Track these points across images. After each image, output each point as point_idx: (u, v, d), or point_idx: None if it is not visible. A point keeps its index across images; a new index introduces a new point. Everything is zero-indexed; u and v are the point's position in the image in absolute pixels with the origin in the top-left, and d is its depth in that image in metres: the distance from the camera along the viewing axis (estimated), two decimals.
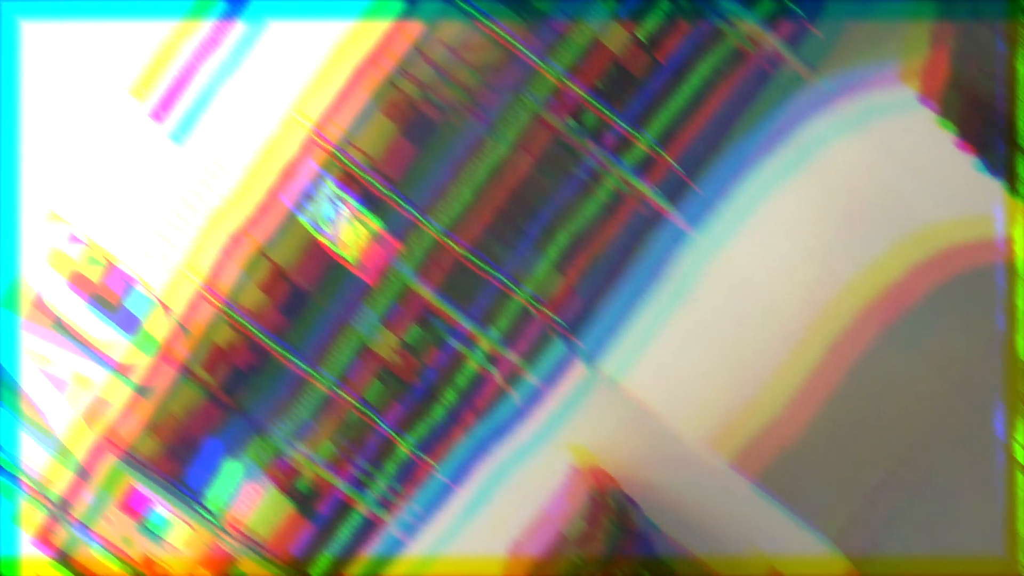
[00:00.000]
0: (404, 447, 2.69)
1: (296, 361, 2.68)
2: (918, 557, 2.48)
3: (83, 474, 2.68)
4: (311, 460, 2.71)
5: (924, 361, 2.43)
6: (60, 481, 2.70)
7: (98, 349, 2.67)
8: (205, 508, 2.66)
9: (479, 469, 2.69)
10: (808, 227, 2.53)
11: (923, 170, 2.44)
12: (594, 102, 2.60)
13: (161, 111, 2.63)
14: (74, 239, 2.66)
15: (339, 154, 2.68)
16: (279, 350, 2.67)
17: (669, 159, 2.56)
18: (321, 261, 2.68)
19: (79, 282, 2.67)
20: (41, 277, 2.66)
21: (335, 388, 2.69)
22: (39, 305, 2.66)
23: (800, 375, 2.49)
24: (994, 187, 2.34)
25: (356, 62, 2.68)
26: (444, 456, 2.70)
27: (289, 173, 2.67)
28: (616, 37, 2.62)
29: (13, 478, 2.66)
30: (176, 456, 2.69)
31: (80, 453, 2.68)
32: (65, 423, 2.67)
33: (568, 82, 2.60)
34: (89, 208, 2.66)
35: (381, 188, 2.69)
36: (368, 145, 2.68)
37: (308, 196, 2.68)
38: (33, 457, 2.70)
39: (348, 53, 2.67)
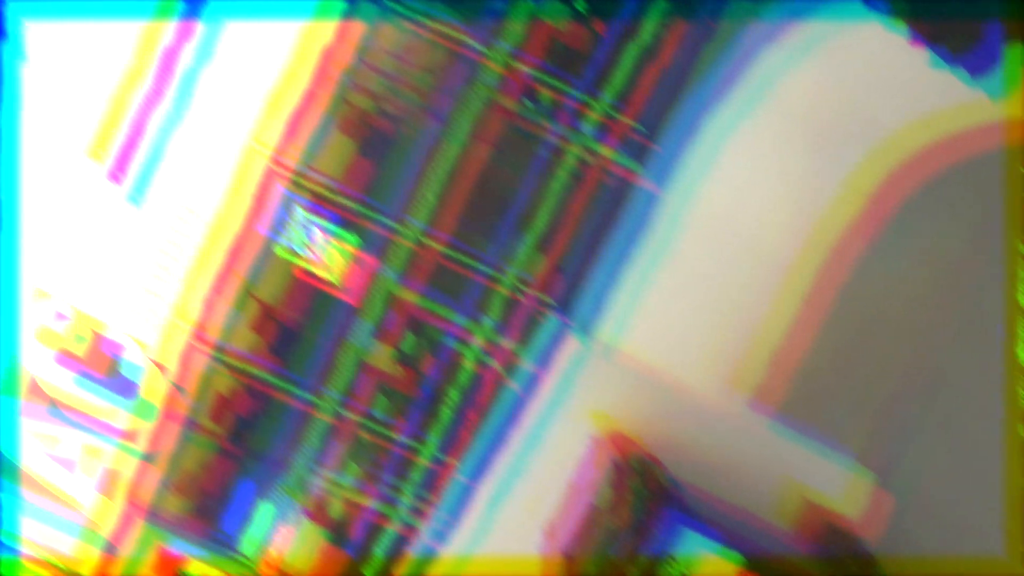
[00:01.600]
0: (423, 455, 2.72)
1: (300, 393, 2.70)
2: (918, 558, 2.50)
3: (110, 548, 2.69)
4: (338, 486, 2.74)
5: (915, 265, 2.43)
6: (89, 559, 2.72)
7: (100, 420, 2.68)
8: (241, 555, 2.66)
9: (500, 460, 2.73)
10: (777, 159, 2.52)
11: (882, 77, 2.42)
12: (545, 78, 2.63)
13: (118, 171, 2.64)
14: (60, 316, 2.66)
15: (302, 179, 2.70)
16: (281, 386, 2.69)
17: (627, 121, 2.59)
18: (307, 290, 2.71)
19: (69, 357, 2.68)
20: (33, 357, 2.66)
21: (342, 411, 2.72)
22: (34, 387, 2.66)
23: (795, 301, 2.51)
24: (953, 79, 2.33)
25: (305, 82, 2.69)
26: (464, 455, 2.74)
27: (258, 205, 2.69)
28: (555, 11, 2.64)
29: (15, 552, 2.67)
30: (204, 509, 2.70)
31: (105, 527, 2.69)
32: (85, 499, 2.68)
33: (516, 63, 2.62)
34: (70, 280, 2.66)
35: (351, 205, 2.71)
36: (329, 165, 2.70)
37: (281, 224, 2.70)
38: (58, 541, 2.71)
39: (296, 72, 2.69)
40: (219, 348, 2.70)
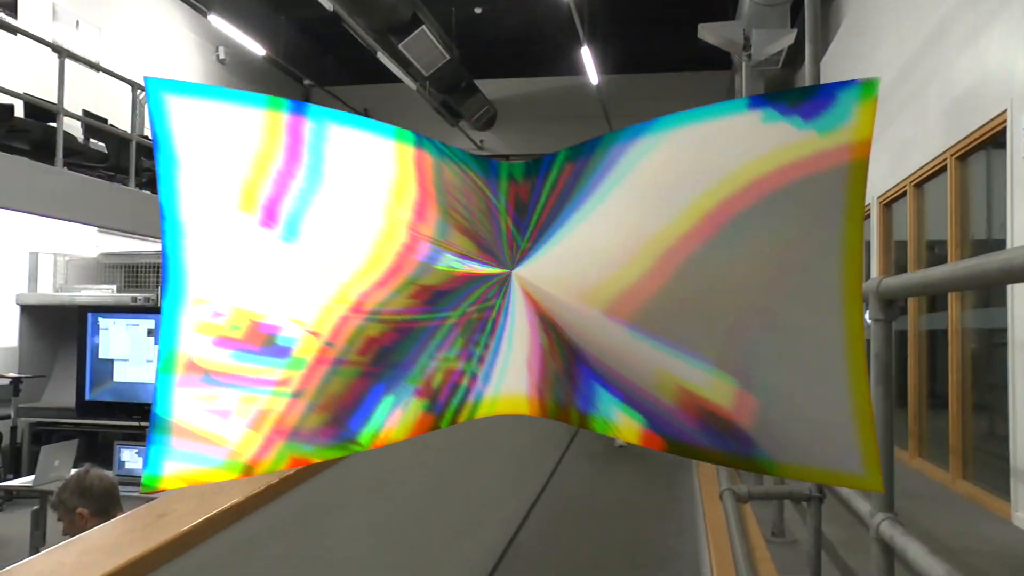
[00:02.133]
0: (495, 309, 3.12)
1: (441, 315, 3.08)
2: (792, 465, 2.61)
3: (248, 469, 2.91)
4: (445, 360, 3.07)
5: (753, 246, 2.67)
6: (230, 473, 2.91)
7: (254, 377, 2.92)
8: (357, 443, 2.95)
9: (509, 308, 3.05)
10: (621, 212, 2.91)
11: (720, 137, 2.69)
12: (514, 231, 3.12)
13: (268, 220, 2.85)
14: (217, 314, 2.86)
15: (443, 243, 3.02)
16: (426, 318, 3.04)
17: (526, 244, 3.09)
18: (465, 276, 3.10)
19: (227, 339, 2.88)
20: (191, 342, 2.83)
21: (468, 309, 3.10)
22: (191, 364, 2.82)
23: (631, 277, 2.88)
24: (787, 126, 2.56)
25: (413, 190, 2.99)
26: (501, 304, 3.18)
27: (408, 251, 2.98)
28: (519, 169, 3.13)
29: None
30: (338, 419, 2.94)
31: (247, 452, 2.92)
32: (233, 435, 2.91)
33: (507, 219, 3.10)
34: (229, 288, 2.89)
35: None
36: (462, 246, 3.07)
37: (434, 259, 3.04)
38: (200, 466, 2.89)
39: (403, 182, 2.96)
40: (375, 313, 2.96)
